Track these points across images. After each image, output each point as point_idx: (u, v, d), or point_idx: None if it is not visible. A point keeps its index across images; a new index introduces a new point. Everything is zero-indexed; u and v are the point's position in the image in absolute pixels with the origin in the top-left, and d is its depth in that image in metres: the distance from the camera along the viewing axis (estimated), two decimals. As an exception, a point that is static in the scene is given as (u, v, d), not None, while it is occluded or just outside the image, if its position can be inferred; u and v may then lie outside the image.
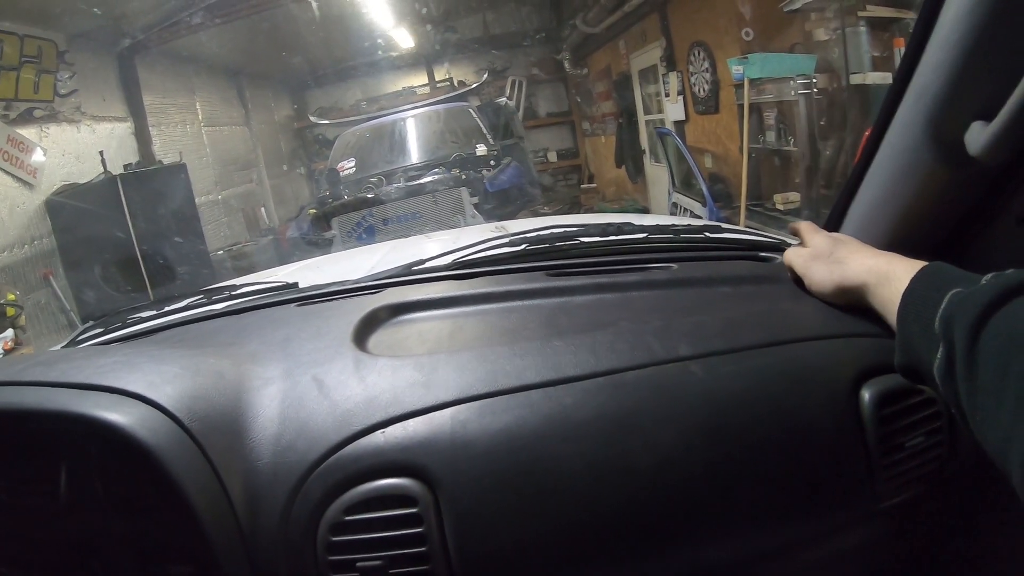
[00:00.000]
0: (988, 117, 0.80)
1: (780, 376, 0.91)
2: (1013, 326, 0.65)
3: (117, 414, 0.78)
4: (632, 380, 0.87)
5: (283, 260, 7.91)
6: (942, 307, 0.73)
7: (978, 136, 0.83)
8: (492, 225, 2.03)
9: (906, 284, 0.83)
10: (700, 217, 5.31)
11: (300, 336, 1.06)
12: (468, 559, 0.78)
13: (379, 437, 0.82)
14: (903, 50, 1.00)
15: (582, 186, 12.32)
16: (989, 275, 0.72)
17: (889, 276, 0.88)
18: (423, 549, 0.77)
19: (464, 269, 1.32)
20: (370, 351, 1.00)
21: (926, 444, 0.91)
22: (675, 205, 5.96)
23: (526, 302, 1.12)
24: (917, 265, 0.85)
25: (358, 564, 0.78)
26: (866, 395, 0.90)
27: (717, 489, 0.85)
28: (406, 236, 3.22)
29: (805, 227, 1.15)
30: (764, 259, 1.27)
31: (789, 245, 1.34)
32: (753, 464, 0.86)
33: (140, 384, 0.83)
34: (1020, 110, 0.75)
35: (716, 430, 0.85)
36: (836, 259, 1.00)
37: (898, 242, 1.06)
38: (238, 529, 0.79)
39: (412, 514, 0.78)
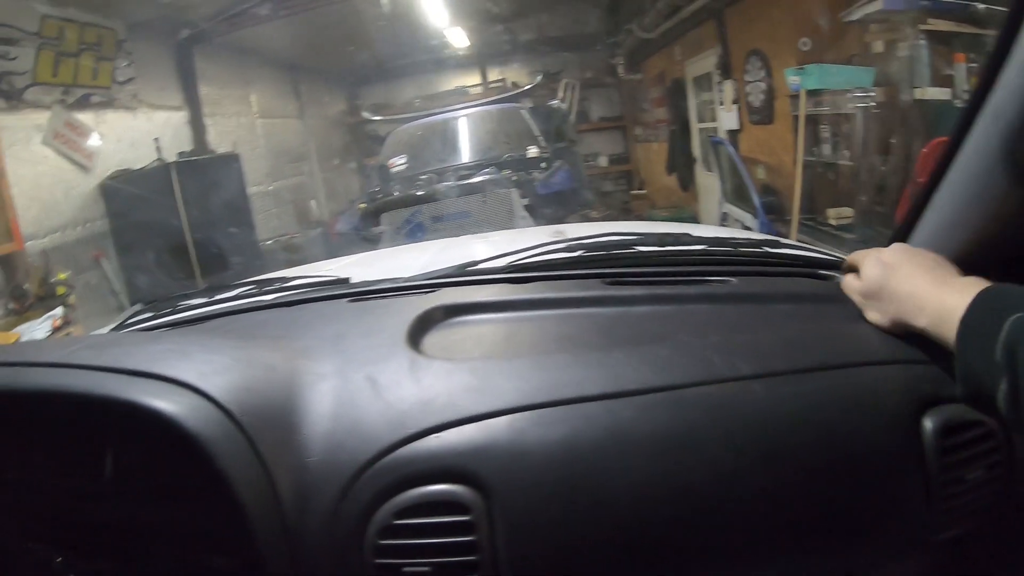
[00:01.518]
0: None
1: (841, 400, 0.89)
2: None
3: (167, 402, 0.78)
4: (692, 397, 0.86)
5: (331, 253, 7.96)
6: (1003, 334, 0.72)
7: None
8: (548, 229, 2.03)
9: (962, 312, 0.81)
10: (751, 229, 5.27)
11: (353, 333, 1.06)
12: (519, 571, 0.78)
13: (433, 441, 0.82)
14: (966, 66, 0.99)
15: (632, 192, 12.27)
16: None
17: (941, 311, 0.86)
18: (474, 558, 0.77)
19: (519, 272, 1.31)
20: (425, 352, 0.99)
21: (986, 478, 0.89)
22: (725, 216, 5.92)
23: (583, 310, 1.11)
24: (971, 288, 0.83)
25: (405, 569, 0.77)
26: (928, 424, 0.88)
27: (772, 512, 0.84)
28: (455, 235, 3.21)
29: (858, 257, 1.10)
30: (822, 277, 1.25)
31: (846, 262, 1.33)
32: (810, 488, 0.85)
33: (191, 374, 0.83)
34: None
35: (775, 452, 0.84)
36: (888, 296, 0.97)
37: (966, 267, 1.04)
38: (283, 525, 0.79)
39: (464, 522, 0.78)
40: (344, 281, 1.45)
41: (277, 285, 1.48)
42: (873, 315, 1.00)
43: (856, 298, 1.05)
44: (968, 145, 0.95)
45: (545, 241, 1.41)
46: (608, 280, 1.22)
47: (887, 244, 1.21)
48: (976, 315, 0.79)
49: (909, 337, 0.96)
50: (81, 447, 0.86)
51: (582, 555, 0.79)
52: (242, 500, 0.76)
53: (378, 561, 0.78)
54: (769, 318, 1.08)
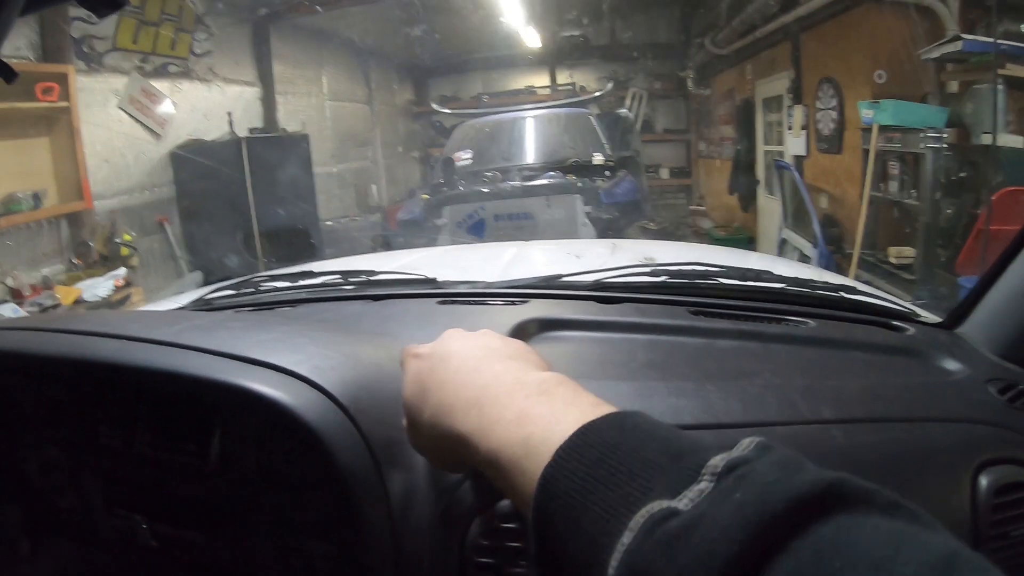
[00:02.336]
0: None
1: (912, 451, 0.93)
2: None
3: (284, 393, 0.81)
4: (780, 435, 0.90)
5: (389, 239, 8.05)
6: (624, 543, 0.40)
7: None
8: (638, 250, 2.07)
9: (532, 467, 0.49)
10: (808, 257, 5.25)
11: None
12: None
13: None
14: None
15: (691, 207, 12.23)
16: (716, 459, 0.42)
17: (522, 452, 0.52)
18: None
19: (606, 291, 1.36)
20: None
21: None
22: (784, 241, 5.91)
23: (671, 338, 1.15)
24: (571, 414, 0.51)
25: (505, 570, 0.80)
26: (983, 481, 0.91)
27: None
28: (516, 235, 3.22)
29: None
30: (895, 327, 1.29)
31: (917, 316, 1.37)
32: None
33: (306, 366, 0.86)
34: None
35: None
36: (430, 424, 0.65)
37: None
38: (390, 520, 0.81)
39: None
40: (431, 280, 1.50)
41: (364, 278, 1.54)
42: (432, 459, 0.74)
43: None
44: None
45: (633, 263, 1.47)
46: (692, 309, 1.27)
47: (956, 307, 1.26)
48: (573, 474, 0.46)
49: (976, 395, 1.01)
50: (190, 427, 0.90)
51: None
52: (355, 493, 0.79)
53: (479, 560, 0.81)
54: (848, 365, 1.12)
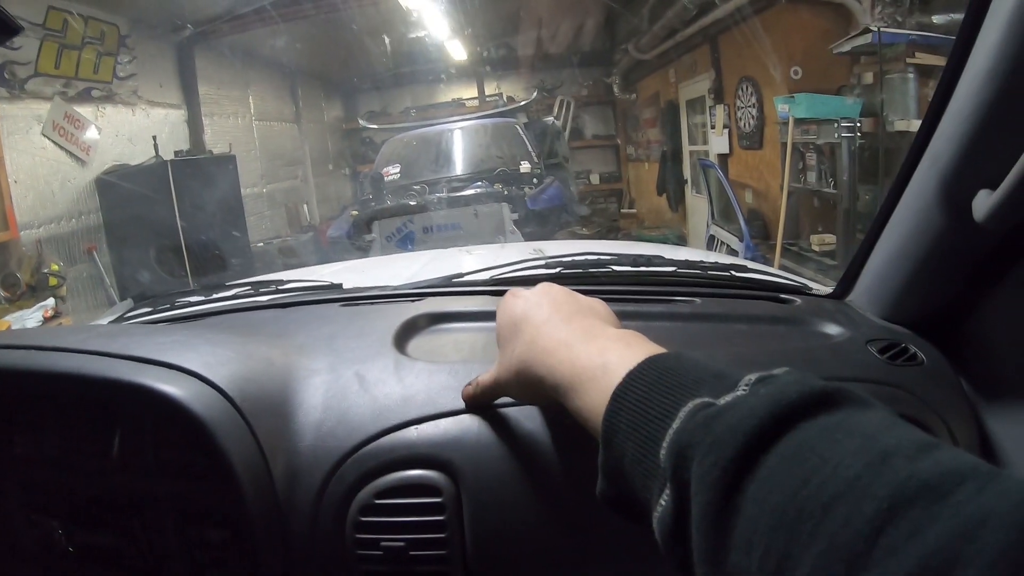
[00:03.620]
0: (993, 186, 0.86)
1: None
2: (791, 476, 0.41)
3: (176, 388, 0.84)
4: None
5: (322, 257, 8.02)
6: (674, 427, 0.49)
7: (984, 203, 0.88)
8: (530, 246, 2.10)
9: (605, 386, 0.59)
10: (736, 251, 5.34)
11: (344, 334, 1.13)
12: (481, 546, 0.85)
13: (412, 432, 0.89)
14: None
15: (622, 211, 12.35)
16: (751, 376, 0.50)
17: (582, 372, 0.64)
18: (442, 535, 0.84)
19: (500, 286, 1.39)
20: (409, 354, 1.07)
21: None
22: (713, 237, 5.99)
23: None
24: (628, 346, 0.63)
25: (383, 543, 0.84)
26: None
27: None
28: (445, 246, 3.27)
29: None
30: (784, 301, 1.32)
31: (808, 289, 1.40)
32: None
33: (197, 363, 0.89)
34: (1022, 180, 0.81)
35: None
36: (518, 357, 0.75)
37: (910, 298, 1.13)
38: (276, 502, 0.85)
39: (436, 503, 0.85)
40: (337, 286, 1.53)
41: (274, 288, 1.55)
42: (520, 398, 0.85)
43: (485, 400, 0.88)
44: (911, 186, 1.03)
45: (525, 257, 1.49)
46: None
47: (841, 277, 1.30)
48: (638, 387, 0.56)
49: (847, 358, 1.05)
50: (91, 428, 0.93)
51: (537, 534, 0.86)
52: (240, 478, 0.82)
53: (359, 536, 0.84)
54: (726, 336, 1.15)
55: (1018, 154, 0.79)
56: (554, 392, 0.67)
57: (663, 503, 0.48)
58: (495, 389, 0.84)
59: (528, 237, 6.00)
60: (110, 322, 1.58)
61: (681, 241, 9.21)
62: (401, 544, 0.84)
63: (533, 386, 0.72)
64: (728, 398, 0.48)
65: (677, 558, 0.47)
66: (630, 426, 0.54)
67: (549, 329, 0.72)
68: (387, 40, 10.42)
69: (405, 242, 6.05)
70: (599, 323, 0.72)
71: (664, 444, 0.49)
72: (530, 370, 0.72)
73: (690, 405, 0.49)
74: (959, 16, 0.89)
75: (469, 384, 0.90)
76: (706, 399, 0.49)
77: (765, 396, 0.46)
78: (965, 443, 0.99)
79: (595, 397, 0.60)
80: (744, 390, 0.48)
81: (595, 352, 0.64)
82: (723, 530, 0.42)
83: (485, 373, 0.86)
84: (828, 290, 1.36)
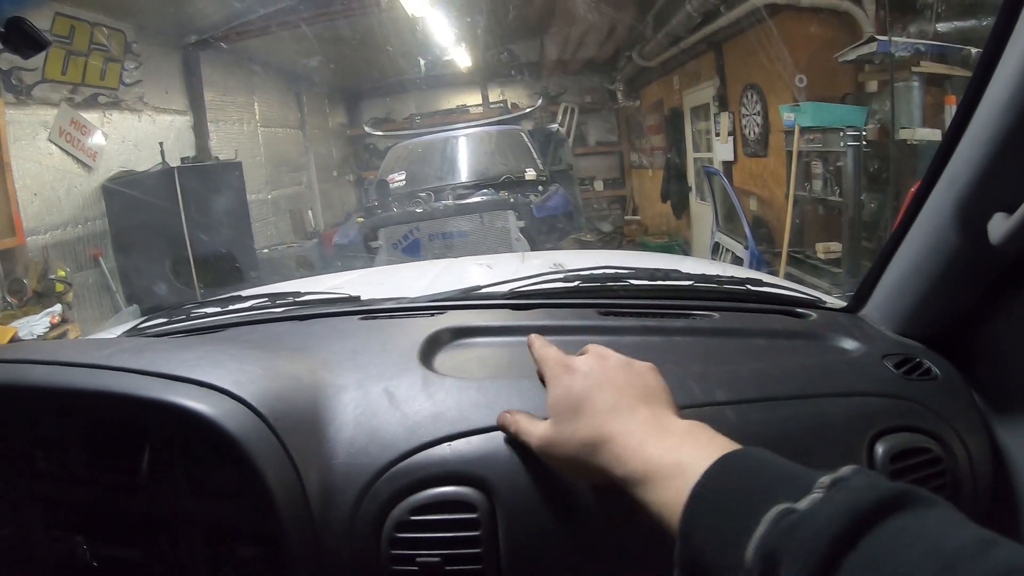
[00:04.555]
0: (1010, 210, 0.88)
1: (805, 426, 0.98)
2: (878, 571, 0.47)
3: (207, 406, 0.85)
4: None
5: (326, 264, 8.02)
6: (760, 530, 0.53)
7: (1000, 226, 0.90)
8: (548, 258, 2.11)
9: (682, 484, 0.63)
10: (741, 259, 5.35)
11: (368, 349, 1.14)
12: (517, 562, 0.86)
13: (445, 449, 0.91)
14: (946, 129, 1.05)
15: (626, 218, 12.34)
16: (824, 479, 0.55)
17: (658, 473, 0.67)
18: (478, 551, 0.85)
19: (520, 299, 1.40)
20: (436, 370, 1.08)
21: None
22: (717, 245, 6.00)
23: (579, 337, 1.19)
24: (701, 441, 0.69)
25: (418, 559, 0.85)
26: (879, 449, 0.96)
27: None
28: (451, 253, 3.28)
29: (551, 363, 0.88)
30: (799, 315, 1.34)
31: (822, 303, 1.42)
32: None
33: (227, 380, 0.90)
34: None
35: None
36: (585, 441, 0.76)
37: (923, 314, 1.15)
38: (310, 519, 0.86)
39: (471, 519, 0.86)
40: (354, 299, 1.53)
41: (291, 300, 1.56)
42: (567, 467, 0.81)
43: (534, 443, 0.84)
44: (928, 205, 1.05)
45: (545, 271, 1.51)
46: (602, 311, 1.31)
47: (856, 291, 1.32)
48: (718, 486, 0.61)
49: (872, 370, 1.07)
50: (119, 444, 0.94)
51: (571, 550, 0.88)
52: (275, 495, 0.83)
53: (394, 552, 0.86)
54: (747, 352, 1.17)
55: None
56: (622, 482, 0.70)
57: None
58: (538, 447, 0.83)
59: (534, 244, 6.00)
60: (122, 334, 1.59)
61: (686, 248, 9.22)
62: (437, 560, 0.85)
63: (591, 471, 0.75)
64: (806, 503, 0.53)
65: None
66: (711, 525, 0.59)
67: (617, 422, 0.75)
68: (392, 47, 10.43)
69: (411, 250, 6.06)
70: (665, 412, 0.76)
71: (751, 547, 0.53)
72: (594, 458, 0.74)
73: (773, 512, 0.53)
74: (964, 24, 0.91)
75: (509, 415, 0.91)
76: (787, 505, 0.53)
77: (841, 503, 0.51)
78: (977, 454, 1.00)
79: (671, 494, 0.64)
80: (819, 492, 0.53)
81: (668, 449, 0.69)
82: None
83: (529, 421, 0.87)
84: (842, 304, 1.38)
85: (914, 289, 1.14)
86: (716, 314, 1.31)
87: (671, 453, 0.68)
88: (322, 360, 1.10)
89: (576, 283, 1.46)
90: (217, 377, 0.91)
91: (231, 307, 1.60)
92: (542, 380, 0.89)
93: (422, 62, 10.87)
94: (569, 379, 0.83)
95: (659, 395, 0.80)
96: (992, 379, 1.09)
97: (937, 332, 1.15)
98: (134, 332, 1.59)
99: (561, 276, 1.49)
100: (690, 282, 1.49)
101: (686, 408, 0.96)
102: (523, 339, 1.19)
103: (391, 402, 0.99)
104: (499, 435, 0.92)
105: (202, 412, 0.85)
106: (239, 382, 0.91)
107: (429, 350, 1.15)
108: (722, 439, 0.69)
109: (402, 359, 1.10)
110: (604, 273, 1.49)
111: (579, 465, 0.76)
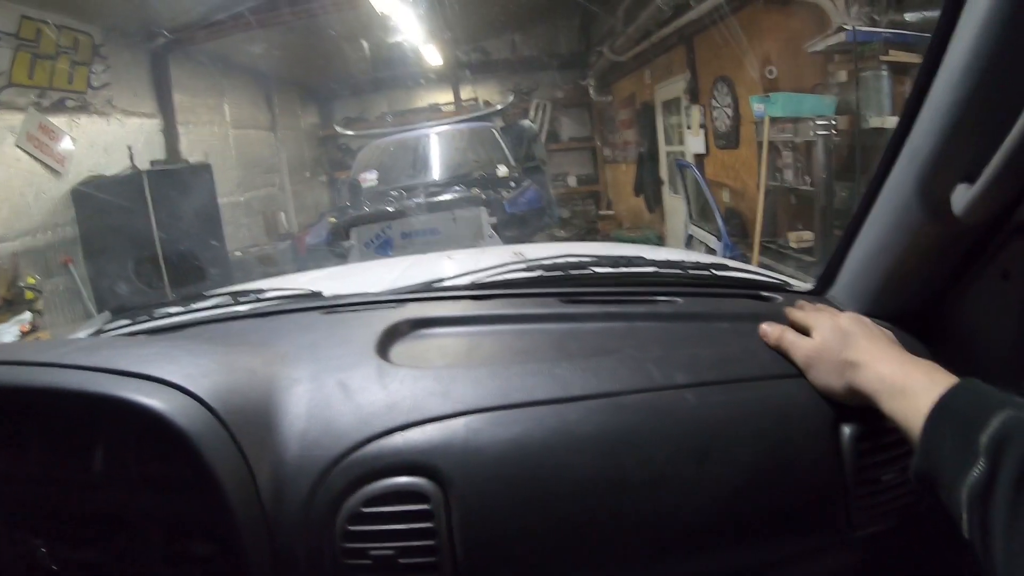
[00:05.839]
0: (971, 180, 0.87)
1: (767, 407, 0.97)
2: None
3: (157, 400, 0.84)
4: (631, 402, 0.95)
5: (300, 265, 7.98)
6: (992, 426, 0.70)
7: (962, 197, 0.89)
8: (510, 249, 2.10)
9: (925, 398, 0.80)
10: (715, 250, 5.35)
11: (326, 342, 1.13)
12: (472, 554, 0.85)
13: (398, 439, 0.89)
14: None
15: (600, 212, 12.37)
16: None
17: (905, 389, 0.85)
18: (432, 542, 0.84)
19: (482, 290, 1.39)
20: (392, 361, 1.06)
21: (900, 480, 0.97)
22: (691, 237, 6.00)
23: (539, 325, 1.19)
24: (938, 377, 0.84)
25: (371, 552, 0.84)
26: (846, 430, 0.96)
27: (703, 506, 0.92)
28: (423, 251, 3.29)
29: (806, 318, 1.08)
30: (764, 298, 1.33)
31: (789, 286, 1.41)
32: (737, 485, 0.93)
33: (178, 375, 0.89)
34: (999, 174, 0.82)
35: (704, 452, 0.92)
36: (848, 361, 0.95)
37: (890, 293, 1.14)
38: (263, 514, 0.85)
39: (424, 510, 0.85)
40: (317, 294, 1.51)
41: (253, 296, 1.54)
42: (826, 376, 0.98)
43: (802, 356, 1.02)
44: (889, 182, 1.04)
45: (506, 261, 1.49)
46: (564, 299, 1.30)
47: (822, 273, 1.31)
48: (958, 402, 0.78)
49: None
50: (73, 442, 0.92)
51: (528, 541, 0.87)
52: (225, 490, 0.82)
53: (347, 545, 0.85)
54: (709, 335, 1.16)
55: (995, 148, 0.80)
56: (873, 394, 0.90)
57: (977, 473, 0.68)
58: (804, 357, 1.02)
59: (506, 241, 5.99)
60: (86, 336, 1.57)
61: (659, 241, 9.23)
62: (390, 552, 0.84)
63: (843, 382, 0.95)
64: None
65: (979, 513, 0.67)
66: (952, 424, 0.76)
67: (874, 349, 0.94)
68: (363, 46, 10.40)
69: (384, 248, 6.02)
70: (900, 349, 0.96)
71: (985, 435, 0.69)
72: (852, 372, 0.94)
73: (1004, 414, 0.70)
74: (932, 14, 0.90)
75: (771, 327, 1.10)
76: (1011, 412, 0.70)
77: None
78: None
79: (923, 400, 0.80)
80: None
81: (910, 374, 0.87)
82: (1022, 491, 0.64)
83: (796, 335, 1.06)
84: (808, 286, 1.37)
85: (879, 268, 1.13)
86: (680, 299, 1.30)
87: (925, 375, 0.85)
88: (280, 354, 1.09)
89: (538, 272, 1.44)
90: (169, 372, 0.90)
91: (195, 306, 1.58)
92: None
93: (393, 60, 10.86)
94: (833, 319, 1.03)
95: (890, 336, 1.01)
96: (960, 355, 1.09)
97: (904, 310, 1.15)
98: (98, 334, 1.56)
99: (523, 266, 1.47)
100: (654, 268, 1.48)
101: (645, 391, 0.96)
102: (483, 328, 1.19)
103: (345, 393, 0.97)
104: (454, 424, 0.91)
105: (151, 407, 0.84)
106: (191, 376, 0.90)
107: (387, 341, 1.14)
108: (946, 372, 0.85)
109: (359, 351, 1.09)
110: (567, 262, 1.47)
111: (835, 376, 0.96)
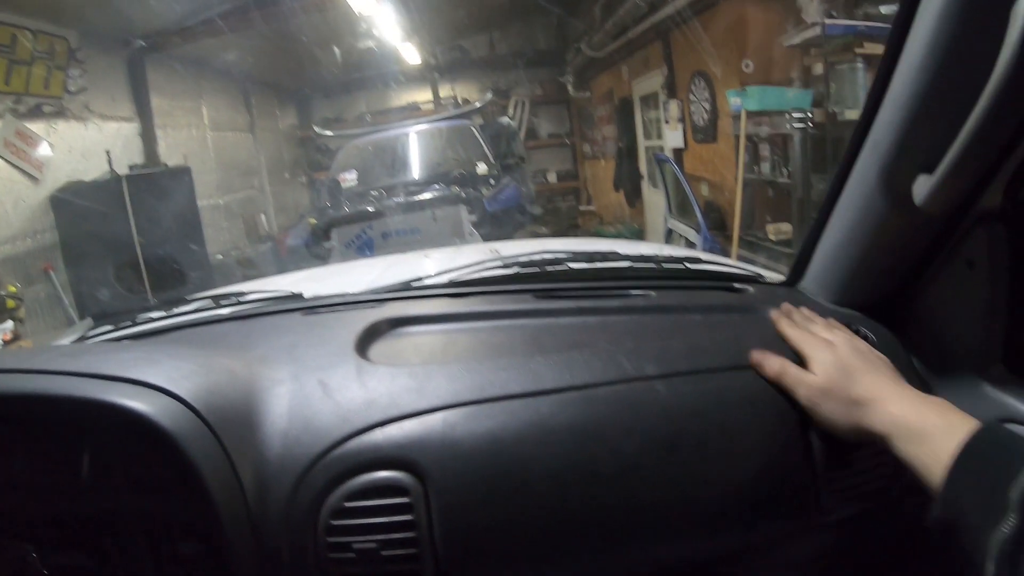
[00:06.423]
0: (931, 170, 0.89)
1: (736, 396, 0.99)
2: None
3: (141, 403, 0.85)
4: (602, 394, 0.97)
5: (281, 266, 7.95)
6: (1022, 481, 0.68)
7: (923, 187, 0.92)
8: (487, 247, 2.12)
9: (944, 443, 0.79)
10: (694, 244, 5.38)
11: (306, 343, 1.14)
12: (451, 544, 0.87)
13: (377, 435, 0.91)
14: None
15: (580, 208, 12.39)
16: None
17: (924, 434, 0.83)
18: (412, 534, 0.86)
19: (459, 288, 1.41)
20: (371, 359, 1.08)
21: (872, 463, 0.99)
22: (671, 231, 6.02)
23: (514, 321, 1.21)
24: (954, 419, 0.82)
25: (354, 545, 0.86)
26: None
27: (674, 495, 0.94)
28: (404, 250, 3.30)
29: (800, 335, 1.06)
30: (737, 290, 1.35)
31: (762, 278, 1.43)
32: (708, 474, 0.95)
33: (161, 378, 0.90)
34: (957, 164, 0.84)
35: (674, 442, 0.94)
36: (855, 400, 0.93)
37: (859, 283, 1.16)
38: (247, 512, 0.87)
39: (404, 503, 0.87)
40: (297, 296, 1.52)
41: (234, 300, 1.54)
42: (833, 414, 0.95)
43: (806, 394, 0.97)
44: (853, 175, 1.07)
45: (483, 259, 1.51)
46: (539, 294, 1.32)
47: (793, 265, 1.33)
48: (982, 448, 0.76)
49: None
50: (58, 447, 0.93)
51: (505, 530, 0.89)
52: (210, 490, 0.84)
53: (331, 539, 0.87)
54: (681, 327, 1.18)
55: (953, 139, 0.83)
56: (883, 436, 0.88)
57: (1005, 529, 0.66)
58: (807, 396, 0.98)
59: (487, 238, 5.99)
60: (72, 342, 1.57)
61: (639, 236, 9.26)
62: (373, 545, 0.86)
63: (850, 422, 0.92)
64: None
65: (1007, 570, 0.66)
66: (977, 473, 0.74)
67: (879, 386, 0.93)
68: (340, 46, 10.37)
69: (364, 248, 6.02)
70: (903, 382, 0.95)
71: (1015, 489, 0.67)
72: (859, 411, 0.92)
73: None
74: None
75: (774, 359, 1.02)
76: None
77: None
78: None
79: (941, 445, 0.79)
80: None
81: (926, 414, 0.85)
82: None
83: (799, 370, 1.00)
84: (781, 278, 1.39)
85: (848, 258, 1.16)
86: (653, 293, 1.32)
87: (939, 417, 0.83)
88: (260, 355, 1.10)
89: (514, 269, 1.46)
90: (151, 375, 0.91)
91: (176, 310, 1.58)
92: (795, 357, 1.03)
93: (371, 60, 10.83)
94: (832, 350, 0.99)
95: (889, 365, 0.99)
96: (929, 342, 1.12)
97: (874, 300, 1.17)
98: (81, 341, 1.57)
99: (500, 263, 1.49)
100: (628, 263, 1.50)
101: (616, 383, 0.98)
102: (460, 326, 1.21)
103: (325, 392, 0.99)
104: (431, 419, 0.93)
105: (136, 409, 0.85)
106: (173, 379, 0.91)
107: (366, 341, 1.15)
108: (959, 412, 0.84)
109: (338, 350, 1.10)
110: (542, 258, 1.49)
111: (841, 415, 0.93)
